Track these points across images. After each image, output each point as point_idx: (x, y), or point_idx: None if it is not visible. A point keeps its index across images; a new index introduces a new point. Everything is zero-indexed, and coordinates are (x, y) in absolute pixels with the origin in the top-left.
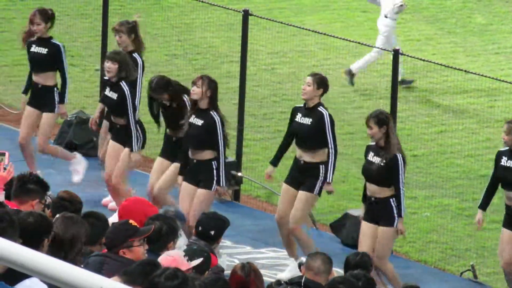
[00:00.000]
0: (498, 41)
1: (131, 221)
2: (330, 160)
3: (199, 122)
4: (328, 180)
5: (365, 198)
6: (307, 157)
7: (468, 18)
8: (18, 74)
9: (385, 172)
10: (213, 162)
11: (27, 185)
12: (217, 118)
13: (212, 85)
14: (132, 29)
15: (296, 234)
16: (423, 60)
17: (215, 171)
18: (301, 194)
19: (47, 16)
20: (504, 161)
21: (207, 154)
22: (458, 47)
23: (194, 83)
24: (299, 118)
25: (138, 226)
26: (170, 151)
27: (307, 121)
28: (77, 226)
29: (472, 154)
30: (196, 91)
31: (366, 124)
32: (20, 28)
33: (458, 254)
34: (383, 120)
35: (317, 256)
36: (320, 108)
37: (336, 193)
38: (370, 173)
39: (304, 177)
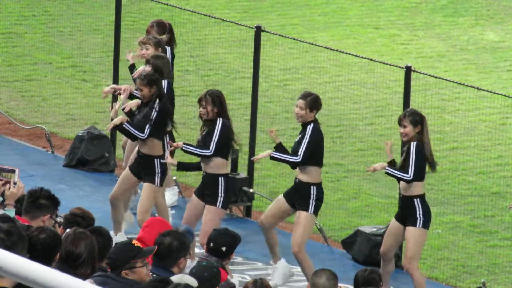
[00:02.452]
0: (510, 58)
1: (134, 241)
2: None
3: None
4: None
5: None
6: (301, 176)
7: (480, 35)
8: (30, 89)
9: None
10: (220, 178)
11: (39, 201)
12: (219, 121)
13: (216, 101)
14: (158, 43)
15: (300, 258)
16: (435, 77)
17: (221, 188)
18: (300, 214)
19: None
20: None
21: (215, 168)
22: (470, 64)
23: (200, 103)
24: (297, 137)
25: (141, 246)
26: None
27: (299, 137)
28: (87, 241)
29: (484, 171)
30: (203, 112)
31: (399, 123)
32: (32, 42)
33: (470, 271)
34: (418, 120)
35: (321, 272)
36: (309, 126)
37: (347, 210)
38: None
39: (297, 196)
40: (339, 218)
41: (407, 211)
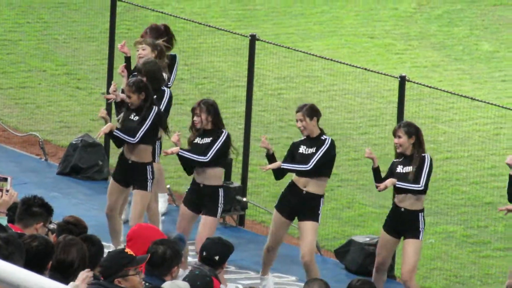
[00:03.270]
0: (505, 68)
1: (127, 249)
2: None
3: (207, 140)
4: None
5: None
6: (311, 187)
7: (475, 45)
8: (24, 96)
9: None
10: (219, 189)
11: (32, 208)
12: (225, 132)
13: (211, 109)
14: (155, 46)
15: (310, 267)
16: (430, 87)
17: (221, 199)
18: (307, 224)
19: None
20: None
21: (214, 180)
22: (465, 74)
23: (194, 112)
24: (303, 150)
25: (134, 254)
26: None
27: (311, 150)
28: (78, 248)
29: (477, 181)
30: (198, 120)
31: (394, 134)
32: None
33: (462, 281)
34: (413, 132)
35: (314, 282)
36: (323, 137)
37: (341, 219)
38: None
39: (305, 207)
40: (332, 228)
41: (409, 225)
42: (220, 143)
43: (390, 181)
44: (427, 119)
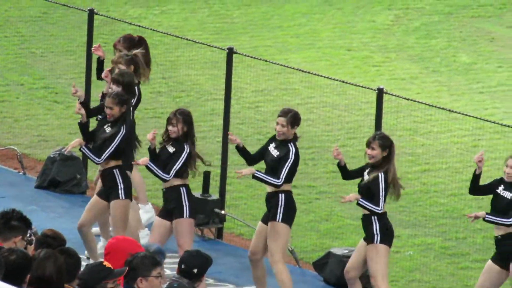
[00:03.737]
0: (483, 80)
1: (105, 262)
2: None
3: (171, 149)
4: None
5: None
6: (269, 187)
7: (452, 57)
8: (1, 110)
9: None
10: (181, 188)
11: (11, 222)
12: (187, 148)
13: (187, 120)
14: (131, 60)
15: (273, 268)
16: (408, 99)
17: (184, 197)
18: (269, 224)
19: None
20: (500, 190)
21: (175, 181)
22: (443, 86)
23: (169, 121)
24: (271, 147)
25: (112, 267)
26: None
27: (276, 153)
28: (53, 260)
29: (455, 193)
30: (173, 130)
31: (367, 144)
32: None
33: None
34: (387, 145)
35: None
36: (290, 145)
37: (319, 232)
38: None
39: (269, 208)
40: (310, 240)
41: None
42: (181, 162)
43: (353, 196)
44: (405, 131)
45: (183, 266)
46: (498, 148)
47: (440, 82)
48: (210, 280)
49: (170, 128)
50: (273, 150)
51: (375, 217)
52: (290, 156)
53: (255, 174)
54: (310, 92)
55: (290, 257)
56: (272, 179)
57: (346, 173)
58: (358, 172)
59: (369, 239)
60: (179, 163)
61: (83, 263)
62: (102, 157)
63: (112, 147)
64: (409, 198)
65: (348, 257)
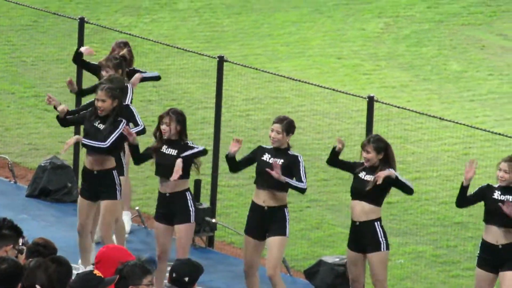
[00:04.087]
0: (473, 88)
1: (95, 271)
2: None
3: (173, 151)
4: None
5: None
6: (271, 201)
7: (443, 65)
8: None
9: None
10: (187, 193)
11: (2, 231)
12: (189, 143)
13: (180, 119)
14: (119, 64)
15: (275, 281)
16: (398, 107)
17: (190, 202)
18: (274, 239)
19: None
20: (497, 195)
21: (182, 185)
22: (433, 94)
23: (162, 120)
24: (267, 158)
25: (102, 276)
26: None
27: (278, 161)
28: (44, 269)
29: (446, 201)
30: (166, 129)
31: (362, 147)
32: None
33: None
34: (382, 147)
35: None
36: (291, 152)
37: (310, 240)
38: (360, 191)
39: (269, 223)
40: (301, 248)
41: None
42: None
43: (388, 172)
44: (395, 139)
45: (174, 275)
46: (488, 156)
47: (431, 90)
48: None
49: (163, 127)
50: (272, 160)
51: (378, 223)
52: (300, 160)
53: (286, 180)
54: (300, 100)
55: (281, 265)
56: (299, 184)
57: (335, 159)
58: (346, 165)
59: (374, 246)
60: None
61: (74, 272)
62: (107, 141)
63: (117, 133)
64: (400, 206)
65: (339, 265)
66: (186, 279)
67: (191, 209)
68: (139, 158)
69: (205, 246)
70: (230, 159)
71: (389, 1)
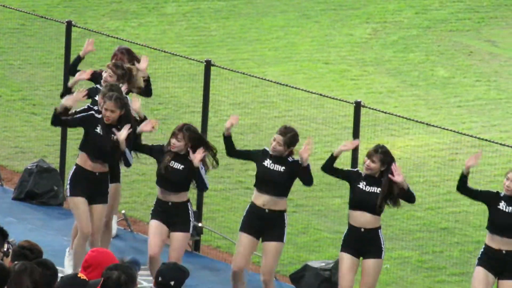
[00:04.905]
0: (460, 94)
1: (80, 274)
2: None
3: (180, 166)
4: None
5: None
6: (272, 205)
7: (430, 71)
8: None
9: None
10: (188, 204)
11: None
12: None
13: (193, 137)
14: (124, 75)
15: (269, 286)
16: (385, 113)
17: (190, 212)
18: (272, 244)
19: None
20: (502, 206)
21: (184, 196)
22: (420, 99)
23: (174, 135)
24: (268, 163)
25: (87, 279)
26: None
27: (279, 168)
28: (29, 272)
29: (432, 207)
30: (177, 145)
31: (368, 156)
32: None
33: None
34: (387, 161)
35: None
36: (291, 159)
37: (296, 245)
38: (367, 203)
39: (268, 226)
40: (287, 253)
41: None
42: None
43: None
44: None
45: (160, 279)
46: None
47: (418, 96)
48: None
49: (174, 141)
50: (273, 166)
51: (380, 231)
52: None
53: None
54: (287, 105)
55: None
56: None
57: (331, 166)
58: (340, 173)
59: (375, 253)
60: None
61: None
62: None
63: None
64: (386, 212)
65: (325, 270)
66: (172, 283)
67: (191, 219)
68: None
69: (191, 250)
70: (226, 138)
71: (377, 7)
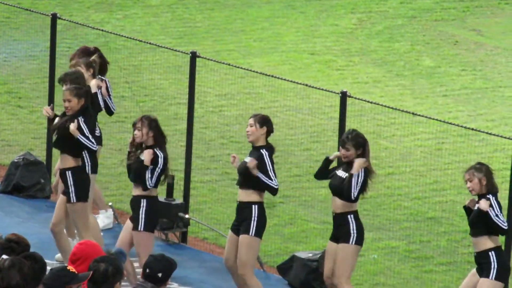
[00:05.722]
0: (446, 83)
1: (69, 267)
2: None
3: (142, 157)
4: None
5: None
6: (242, 197)
7: (416, 61)
8: None
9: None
10: (143, 200)
11: None
12: (160, 154)
13: (152, 125)
14: (89, 64)
15: (245, 280)
16: (371, 102)
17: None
18: (241, 237)
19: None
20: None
21: (139, 191)
22: (406, 89)
23: (135, 126)
24: (246, 157)
25: (76, 272)
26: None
27: (247, 159)
28: (18, 268)
29: (419, 196)
30: (138, 135)
31: (342, 145)
32: None
33: None
34: (360, 143)
35: None
36: (262, 150)
37: (283, 236)
38: (336, 187)
39: (241, 219)
40: (275, 244)
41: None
42: (160, 170)
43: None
44: (368, 135)
45: (147, 271)
46: (461, 151)
47: (404, 86)
48: (174, 284)
49: (135, 132)
50: (248, 158)
51: (351, 216)
52: (267, 161)
53: (258, 175)
54: (273, 96)
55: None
56: (270, 182)
57: (324, 172)
58: (330, 174)
59: (343, 238)
60: (157, 172)
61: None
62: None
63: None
64: (373, 202)
65: (313, 260)
66: (160, 274)
67: (141, 216)
68: None
69: (179, 242)
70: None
71: None
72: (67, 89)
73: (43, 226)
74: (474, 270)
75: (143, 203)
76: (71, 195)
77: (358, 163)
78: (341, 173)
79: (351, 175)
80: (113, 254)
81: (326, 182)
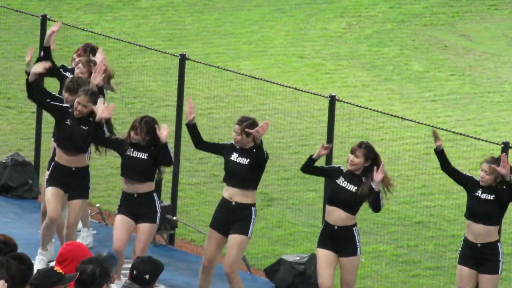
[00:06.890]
0: (435, 88)
1: (56, 268)
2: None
3: (144, 155)
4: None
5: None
6: (239, 198)
7: (405, 65)
8: None
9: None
10: (154, 194)
11: None
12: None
13: (150, 131)
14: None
15: (232, 278)
16: (360, 107)
17: (157, 203)
18: (236, 237)
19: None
20: (479, 193)
21: (149, 187)
22: (395, 94)
23: (133, 129)
24: (234, 157)
25: (63, 273)
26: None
27: (244, 161)
28: (5, 267)
29: (407, 201)
30: (136, 138)
31: (352, 151)
32: None
33: None
34: (371, 157)
35: None
36: (255, 150)
37: (271, 238)
38: (342, 199)
39: (235, 219)
40: (262, 247)
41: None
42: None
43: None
44: (357, 139)
45: (134, 272)
46: (450, 156)
47: (392, 90)
48: (161, 286)
49: (132, 135)
50: (239, 159)
51: (355, 229)
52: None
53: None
54: (262, 99)
55: (241, 263)
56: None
57: (311, 166)
58: (322, 171)
59: (350, 250)
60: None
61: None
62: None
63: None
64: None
65: (300, 264)
66: (147, 276)
67: (158, 210)
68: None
69: (166, 244)
70: (189, 126)
71: (351, 1)
72: (86, 94)
73: (31, 226)
74: (464, 270)
75: (155, 197)
76: (86, 191)
77: (378, 181)
78: (346, 184)
79: (377, 193)
80: (103, 257)
81: (314, 186)
